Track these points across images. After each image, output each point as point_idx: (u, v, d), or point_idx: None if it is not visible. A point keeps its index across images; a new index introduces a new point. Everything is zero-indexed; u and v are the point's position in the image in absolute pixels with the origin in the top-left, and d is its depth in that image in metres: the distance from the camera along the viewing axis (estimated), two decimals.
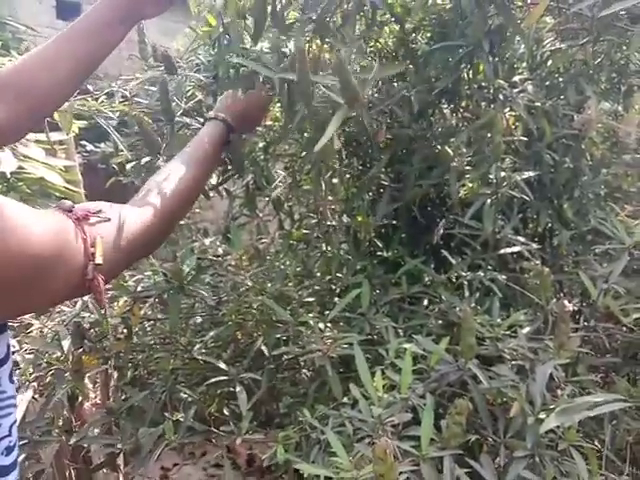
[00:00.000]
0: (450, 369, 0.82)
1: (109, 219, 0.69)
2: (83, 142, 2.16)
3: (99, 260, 0.64)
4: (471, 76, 1.07)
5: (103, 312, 1.20)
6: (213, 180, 1.45)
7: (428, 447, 0.69)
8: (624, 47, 1.11)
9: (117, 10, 0.94)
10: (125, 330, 1.22)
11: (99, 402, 1.47)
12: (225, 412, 1.22)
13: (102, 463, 1.23)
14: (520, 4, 1.07)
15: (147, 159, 1.27)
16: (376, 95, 1.01)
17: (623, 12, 1.02)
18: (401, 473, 0.63)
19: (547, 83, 1.19)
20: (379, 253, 1.32)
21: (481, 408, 0.80)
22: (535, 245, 1.11)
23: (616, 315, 0.97)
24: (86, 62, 0.94)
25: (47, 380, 1.22)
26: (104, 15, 0.94)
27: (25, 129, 0.96)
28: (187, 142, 0.97)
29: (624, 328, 1.03)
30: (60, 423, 1.21)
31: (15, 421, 0.64)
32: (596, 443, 0.91)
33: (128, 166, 1.34)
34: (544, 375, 0.78)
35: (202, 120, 1.17)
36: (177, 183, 0.84)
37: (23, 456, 1.04)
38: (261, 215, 1.61)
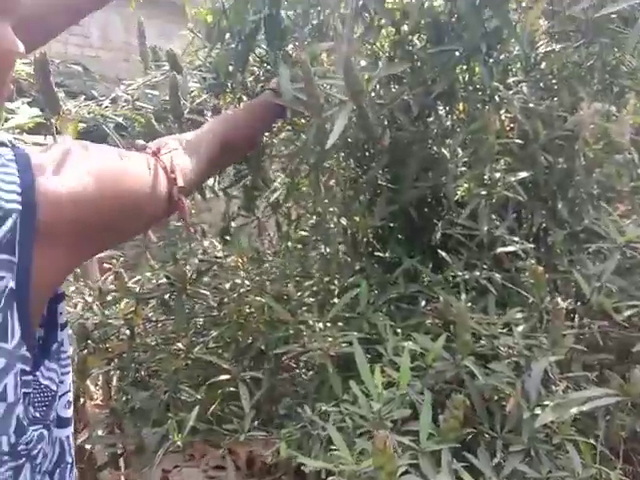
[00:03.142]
0: (447, 366, 0.84)
1: (177, 149, 0.80)
2: None
3: (181, 183, 0.75)
4: (467, 78, 1.09)
5: (106, 313, 1.22)
6: (210, 182, 1.46)
7: (427, 441, 0.71)
8: (616, 49, 1.13)
9: None
10: (128, 331, 1.24)
11: (100, 403, 1.49)
12: (226, 412, 1.24)
13: (106, 463, 1.24)
14: (514, 7, 1.09)
15: None
16: (376, 100, 1.03)
17: (615, 15, 1.04)
18: (400, 466, 0.65)
19: (541, 85, 1.21)
20: (377, 253, 1.34)
21: (477, 404, 0.82)
22: (530, 244, 1.13)
23: (609, 313, 0.99)
24: None
25: None
26: None
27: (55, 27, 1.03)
28: None
29: (617, 326, 1.05)
30: None
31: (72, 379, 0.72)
32: (591, 440, 0.93)
33: None
34: (539, 371, 0.80)
35: (208, 118, 1.19)
36: (233, 124, 0.97)
37: None
38: (259, 216, 1.62)
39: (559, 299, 0.85)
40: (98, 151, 0.67)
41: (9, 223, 0.54)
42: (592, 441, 0.85)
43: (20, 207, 0.55)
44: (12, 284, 0.55)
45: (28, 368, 0.58)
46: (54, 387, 0.64)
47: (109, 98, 1.23)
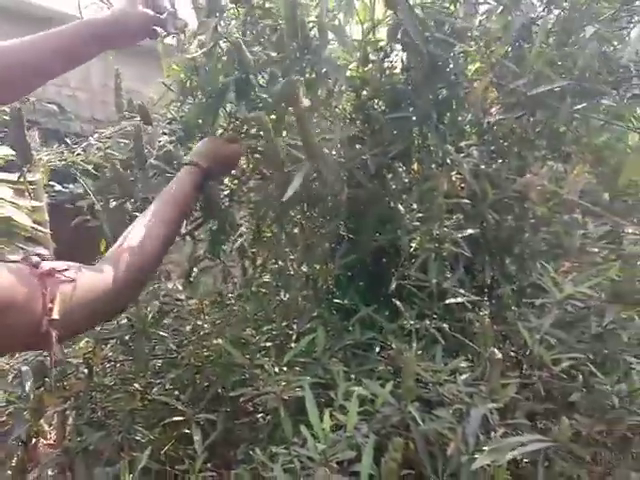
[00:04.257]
0: (393, 411, 0.88)
1: (73, 279, 0.73)
2: (51, 182, 2.20)
3: (55, 316, 0.69)
4: (421, 141, 1.17)
5: (65, 351, 1.23)
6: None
7: None
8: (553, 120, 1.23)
9: (91, 30, 1.03)
10: (86, 370, 1.24)
11: (53, 442, 1.47)
12: (180, 454, 1.24)
13: None
14: (464, 78, 1.18)
15: (115, 203, 1.32)
16: (337, 158, 1.09)
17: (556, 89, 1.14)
18: None
19: (492, 148, 1.30)
20: (335, 300, 1.39)
21: (421, 448, 0.86)
22: (480, 297, 1.20)
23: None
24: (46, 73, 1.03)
25: (3, 419, 1.23)
26: (77, 32, 1.02)
27: None
28: (158, 187, 1.03)
29: (557, 376, 1.10)
30: (13, 463, 1.22)
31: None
32: None
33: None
34: (477, 417, 0.84)
35: (174, 166, 1.23)
36: (149, 237, 0.88)
37: None
38: (225, 260, 1.65)
39: (496, 349, 0.90)
40: None
41: None
42: None
43: None
44: None
45: None
46: None
47: (81, 147, 1.27)
